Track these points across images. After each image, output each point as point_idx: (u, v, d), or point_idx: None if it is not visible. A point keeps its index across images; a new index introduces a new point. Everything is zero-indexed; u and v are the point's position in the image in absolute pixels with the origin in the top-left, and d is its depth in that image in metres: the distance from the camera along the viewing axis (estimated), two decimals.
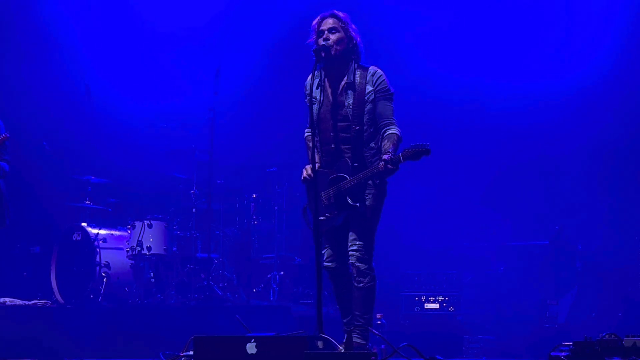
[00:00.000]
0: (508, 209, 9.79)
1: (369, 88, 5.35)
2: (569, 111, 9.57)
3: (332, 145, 5.40)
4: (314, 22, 5.44)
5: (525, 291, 8.78)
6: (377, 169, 5.14)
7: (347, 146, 5.36)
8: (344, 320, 5.48)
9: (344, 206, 5.31)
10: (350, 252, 5.32)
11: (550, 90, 9.68)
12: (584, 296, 8.65)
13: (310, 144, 5.28)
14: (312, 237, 4.96)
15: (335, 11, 5.44)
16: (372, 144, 5.37)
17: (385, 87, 5.39)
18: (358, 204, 5.26)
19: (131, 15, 10.44)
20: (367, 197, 5.31)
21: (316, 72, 5.32)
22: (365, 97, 5.34)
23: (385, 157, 5.10)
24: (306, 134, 5.68)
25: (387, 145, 5.24)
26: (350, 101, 5.35)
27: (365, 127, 5.35)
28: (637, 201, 9.10)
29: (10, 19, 10.25)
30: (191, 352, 4.95)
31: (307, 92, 5.43)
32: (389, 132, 5.29)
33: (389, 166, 5.06)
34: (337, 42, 5.34)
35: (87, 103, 9.91)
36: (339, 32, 5.36)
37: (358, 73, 5.38)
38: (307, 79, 5.48)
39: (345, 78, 5.39)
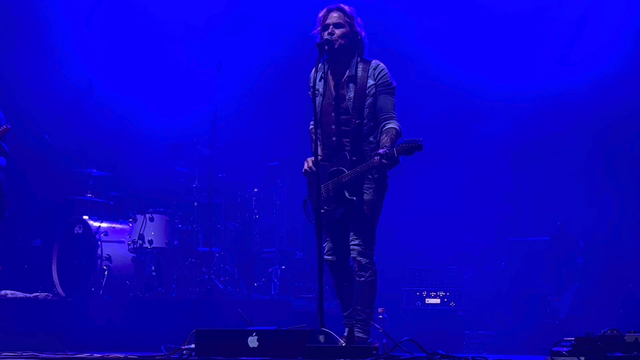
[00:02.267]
0: (510, 205, 9.78)
1: (370, 82, 5.34)
2: (571, 107, 9.56)
3: (334, 138, 5.39)
4: (320, 14, 5.42)
5: (527, 287, 8.78)
6: (372, 163, 5.13)
7: (347, 139, 5.35)
8: (345, 314, 5.48)
9: (342, 200, 5.30)
10: (351, 247, 5.31)
11: (552, 87, 9.66)
12: (586, 292, 8.65)
13: (314, 137, 5.27)
14: (313, 231, 4.95)
15: (342, 5, 5.41)
16: (371, 138, 5.35)
17: (387, 80, 5.37)
18: (355, 198, 5.26)
19: (133, 10, 10.42)
20: (367, 192, 5.30)
21: (320, 64, 5.31)
22: (367, 91, 5.33)
23: (380, 151, 5.09)
24: (311, 127, 5.66)
25: (385, 139, 5.22)
26: (352, 94, 5.34)
27: (365, 121, 5.33)
28: (638, 197, 9.09)
29: (13, 11, 10.22)
30: (192, 346, 4.96)
31: (310, 84, 5.40)
32: (388, 126, 5.28)
33: (384, 161, 5.06)
34: (342, 36, 5.33)
35: (89, 96, 9.91)
36: (343, 27, 5.34)
37: (360, 67, 5.36)
38: (311, 72, 5.46)
39: (348, 71, 5.38)
